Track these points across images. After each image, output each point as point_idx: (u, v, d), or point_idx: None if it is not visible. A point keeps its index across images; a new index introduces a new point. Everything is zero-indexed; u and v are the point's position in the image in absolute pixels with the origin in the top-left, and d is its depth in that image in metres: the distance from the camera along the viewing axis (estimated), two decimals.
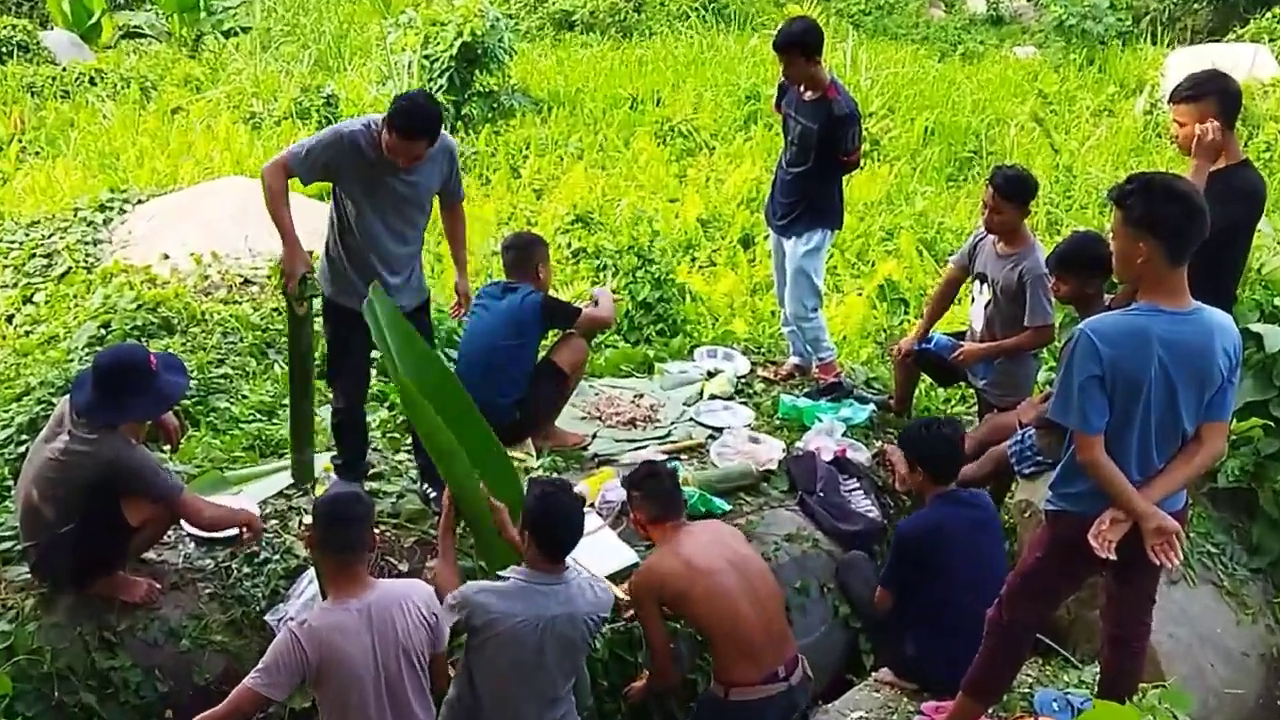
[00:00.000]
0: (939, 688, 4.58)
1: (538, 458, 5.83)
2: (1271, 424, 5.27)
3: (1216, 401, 3.70)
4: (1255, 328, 5.26)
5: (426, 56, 12.97)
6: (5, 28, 14.82)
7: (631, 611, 4.72)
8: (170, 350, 6.77)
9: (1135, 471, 3.69)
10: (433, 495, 5.24)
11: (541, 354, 5.86)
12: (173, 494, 4.44)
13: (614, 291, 8.33)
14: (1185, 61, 13.21)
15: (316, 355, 5.60)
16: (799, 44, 6.00)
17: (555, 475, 5.53)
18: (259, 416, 6.69)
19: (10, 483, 5.43)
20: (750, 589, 4.49)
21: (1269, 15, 16.03)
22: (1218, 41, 16.20)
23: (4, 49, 14.49)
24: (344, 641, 3.80)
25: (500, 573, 4.20)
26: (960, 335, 6.15)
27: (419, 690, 3.97)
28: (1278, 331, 5.26)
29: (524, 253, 5.88)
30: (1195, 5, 17.23)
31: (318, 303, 5.22)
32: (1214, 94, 4.72)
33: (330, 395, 5.52)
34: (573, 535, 4.22)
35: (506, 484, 4.71)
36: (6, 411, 6.39)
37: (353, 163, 4.82)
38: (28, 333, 7.88)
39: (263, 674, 3.79)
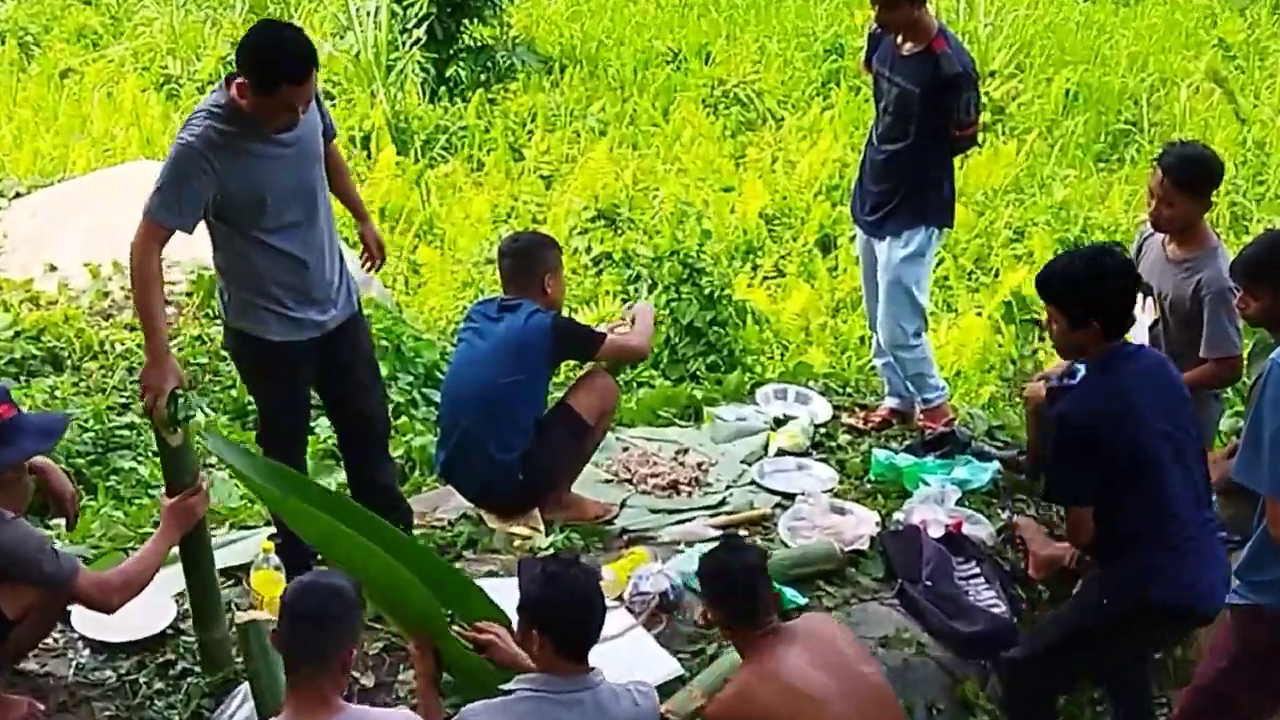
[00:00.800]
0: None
1: (547, 534, 5.90)
2: None
3: None
4: None
5: (398, 1, 13.37)
6: None
7: None
8: (57, 391, 6.85)
9: None
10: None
11: (554, 396, 5.98)
12: (66, 576, 4.50)
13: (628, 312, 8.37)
14: None
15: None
16: None
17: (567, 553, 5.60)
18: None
19: None
20: None
21: None
22: None
23: None
24: None
25: (506, 685, 4.23)
26: None
27: None
28: None
29: (527, 259, 5.96)
30: None
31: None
32: None
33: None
34: (597, 620, 4.26)
35: (468, 599, 4.82)
36: None
37: (229, 165, 4.85)
38: None
39: None
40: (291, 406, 5.35)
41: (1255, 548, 3.90)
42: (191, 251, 9.13)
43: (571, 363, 6.70)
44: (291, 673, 4.06)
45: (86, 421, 7.31)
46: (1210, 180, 5.76)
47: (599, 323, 7.50)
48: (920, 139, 6.31)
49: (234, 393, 7.68)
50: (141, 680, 4.87)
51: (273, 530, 5.60)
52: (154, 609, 5.25)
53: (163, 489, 5.23)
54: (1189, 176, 5.65)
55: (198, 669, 4.99)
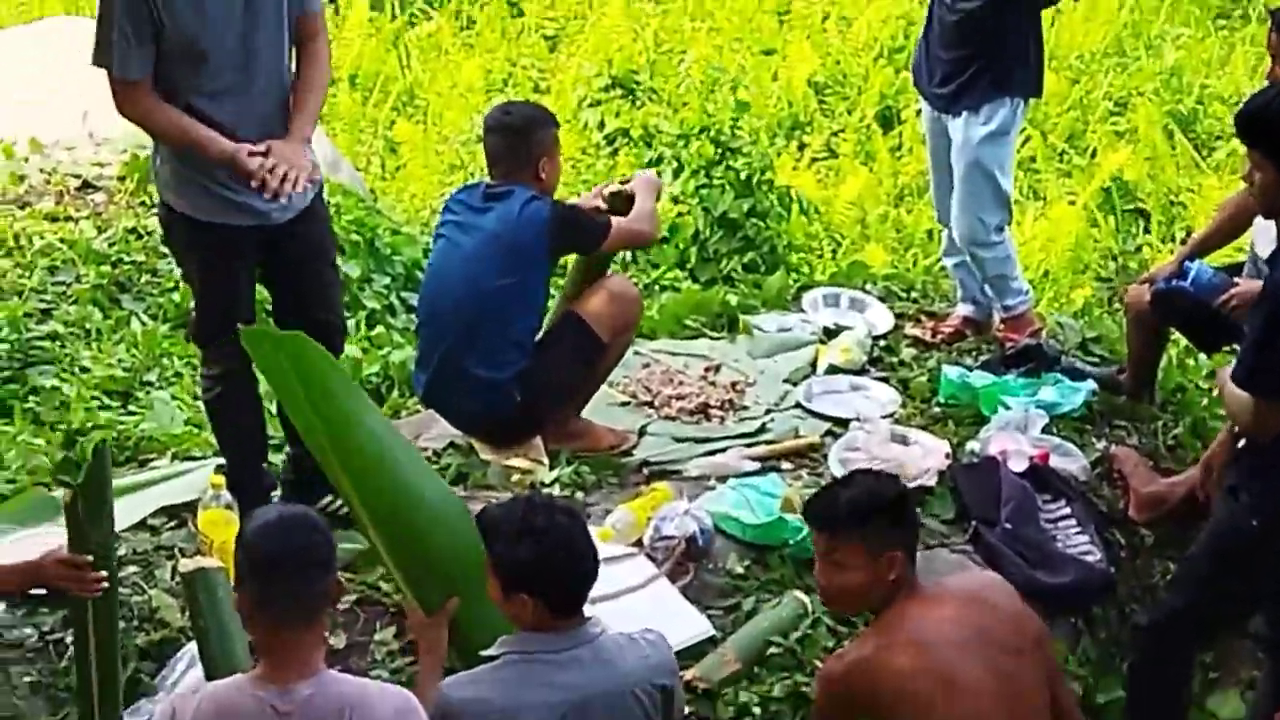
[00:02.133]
0: None
1: (552, 467, 6.04)
2: None
3: None
4: None
5: None
6: None
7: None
8: None
9: None
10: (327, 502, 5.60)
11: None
12: None
13: (676, 198, 8.44)
14: None
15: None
16: None
17: (564, 497, 5.79)
18: (106, 400, 6.95)
19: None
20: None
21: None
22: None
23: None
24: None
25: (488, 651, 4.27)
26: (1236, 269, 6.25)
27: None
28: None
29: (521, 138, 6.01)
30: None
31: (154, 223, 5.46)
32: None
33: (200, 359, 5.72)
34: (590, 565, 4.32)
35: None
36: None
37: (170, 3, 4.96)
38: None
39: None
40: (225, 299, 5.44)
41: None
42: (125, 127, 9.29)
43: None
44: (263, 624, 4.08)
45: (0, 331, 7.45)
46: None
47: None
48: None
49: (175, 296, 7.86)
50: (68, 641, 4.95)
51: (220, 462, 5.72)
52: None
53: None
54: None
55: (136, 626, 5.10)
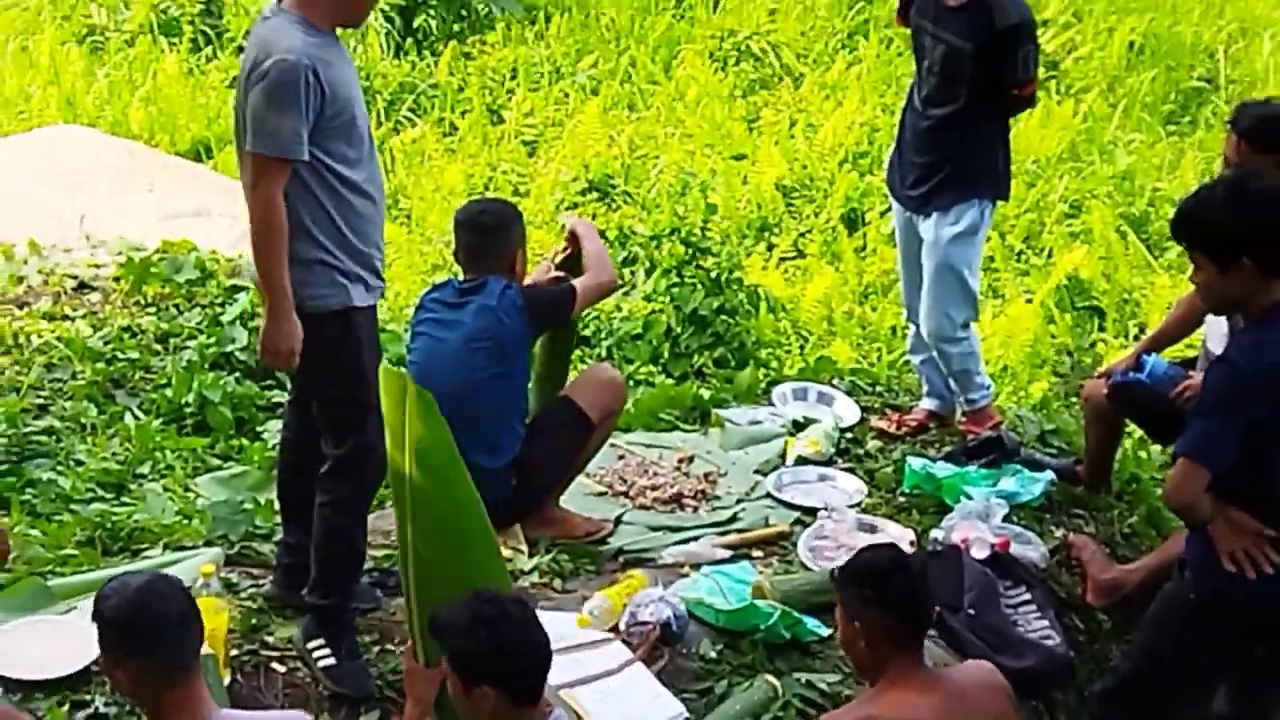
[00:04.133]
0: None
1: (531, 555, 6.11)
2: None
3: None
4: None
5: None
6: None
7: None
8: None
9: None
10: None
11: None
12: None
13: (649, 296, 8.61)
14: None
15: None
16: None
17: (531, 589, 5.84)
18: (101, 493, 6.99)
19: None
20: None
21: None
22: None
23: None
24: None
25: None
26: (1190, 364, 6.35)
27: None
28: None
29: (494, 233, 6.14)
30: None
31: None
32: None
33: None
34: (544, 652, 4.32)
35: None
36: None
37: (328, 75, 5.02)
38: None
39: None
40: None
41: None
42: (120, 230, 9.36)
43: None
44: (156, 697, 4.14)
45: None
46: None
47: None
48: (972, 100, 6.53)
49: (169, 393, 7.92)
50: None
51: (216, 551, 5.79)
52: (75, 644, 5.37)
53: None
54: (1270, 140, 5.81)
55: (130, 711, 5.12)
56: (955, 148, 6.65)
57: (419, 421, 4.64)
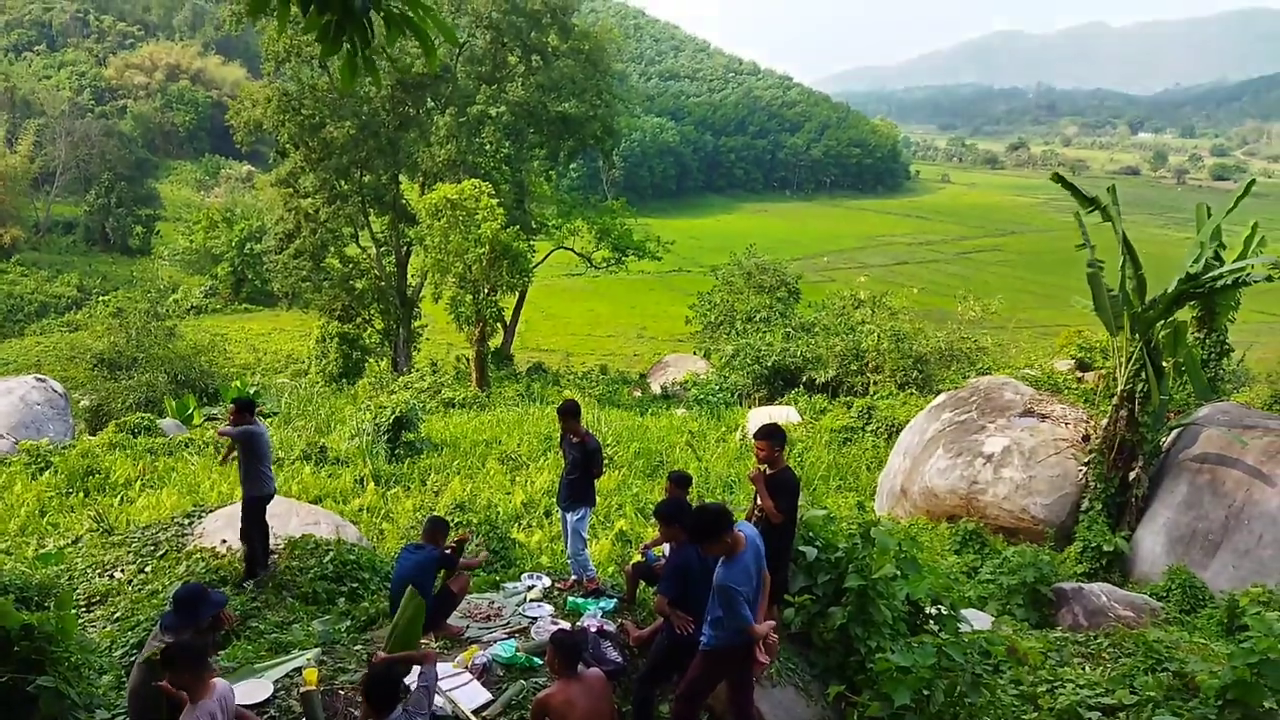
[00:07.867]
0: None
1: (435, 640, 10.73)
2: (812, 598, 12.18)
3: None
4: (802, 548, 12.55)
5: (376, 424, 29.31)
6: (138, 419, 34.22)
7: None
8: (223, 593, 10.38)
9: None
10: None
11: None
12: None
13: (478, 545, 15.21)
14: (759, 415, 35.17)
15: None
16: (568, 413, 13.37)
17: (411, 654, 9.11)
18: (277, 630, 12.74)
19: (124, 678, 10.54)
20: None
21: (794, 392, 41.76)
22: (770, 404, 40.05)
23: (137, 430, 33.14)
24: None
25: None
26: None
27: None
28: (811, 551, 12.51)
29: (432, 533, 11.62)
30: (759, 388, 44.42)
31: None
32: (772, 433, 11.88)
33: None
34: (396, 690, 6.96)
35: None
36: (125, 637, 13.10)
37: None
38: (140, 589, 14.70)
39: None
40: None
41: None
42: (278, 528, 15.57)
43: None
44: (194, 682, 5.51)
45: (234, 605, 13.30)
46: (686, 483, 11.99)
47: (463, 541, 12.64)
48: (582, 472, 13.27)
49: None
50: None
51: (313, 653, 9.83)
52: (260, 690, 9.33)
53: None
54: (680, 485, 11.67)
55: None
56: (577, 488, 13.10)
57: (410, 601, 9.26)
